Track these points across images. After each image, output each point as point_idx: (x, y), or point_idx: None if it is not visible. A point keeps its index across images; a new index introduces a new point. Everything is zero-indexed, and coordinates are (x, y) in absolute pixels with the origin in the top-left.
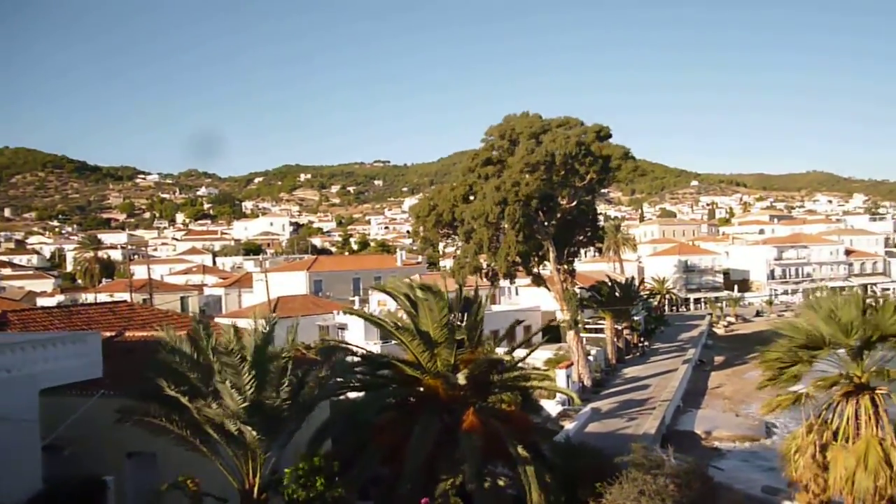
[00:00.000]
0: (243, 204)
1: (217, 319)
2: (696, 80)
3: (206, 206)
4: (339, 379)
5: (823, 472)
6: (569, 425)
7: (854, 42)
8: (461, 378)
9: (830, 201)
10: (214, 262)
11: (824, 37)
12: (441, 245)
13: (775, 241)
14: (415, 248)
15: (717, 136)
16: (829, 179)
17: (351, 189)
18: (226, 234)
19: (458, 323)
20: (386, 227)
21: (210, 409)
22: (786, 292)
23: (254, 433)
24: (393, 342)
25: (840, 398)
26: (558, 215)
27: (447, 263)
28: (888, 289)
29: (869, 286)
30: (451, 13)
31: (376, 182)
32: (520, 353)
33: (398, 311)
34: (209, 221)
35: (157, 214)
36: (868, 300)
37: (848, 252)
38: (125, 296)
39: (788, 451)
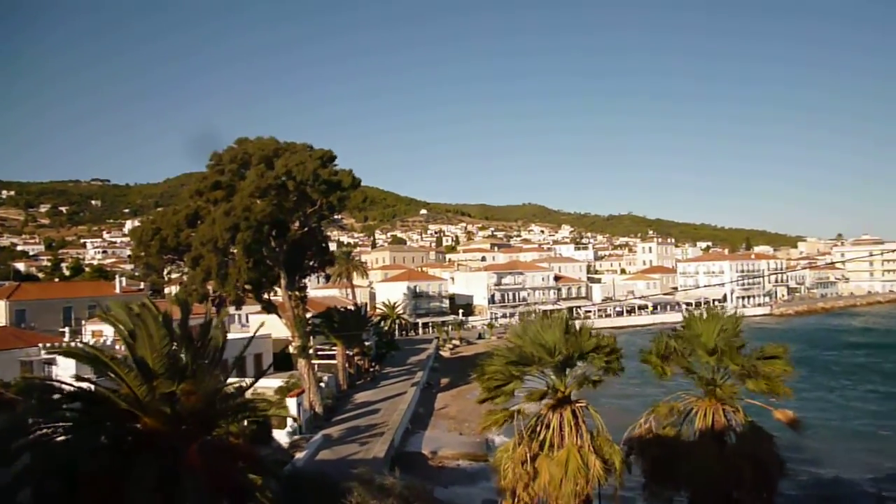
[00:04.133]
0: None
1: None
2: (426, 118)
3: None
4: (41, 420)
5: (532, 480)
6: (300, 454)
7: (556, 87)
8: (182, 411)
9: (542, 231)
10: None
11: (529, 87)
12: (166, 271)
13: (495, 267)
14: (137, 274)
15: (444, 167)
16: (542, 212)
17: (63, 209)
18: None
19: (181, 352)
20: (104, 252)
21: None
22: (505, 315)
23: None
24: (110, 376)
25: (547, 411)
26: (289, 241)
27: (174, 290)
28: (590, 311)
29: (574, 308)
30: (180, 27)
31: (94, 202)
32: (249, 382)
33: (117, 341)
34: None
35: None
36: (571, 322)
37: (557, 278)
38: None
39: (501, 462)
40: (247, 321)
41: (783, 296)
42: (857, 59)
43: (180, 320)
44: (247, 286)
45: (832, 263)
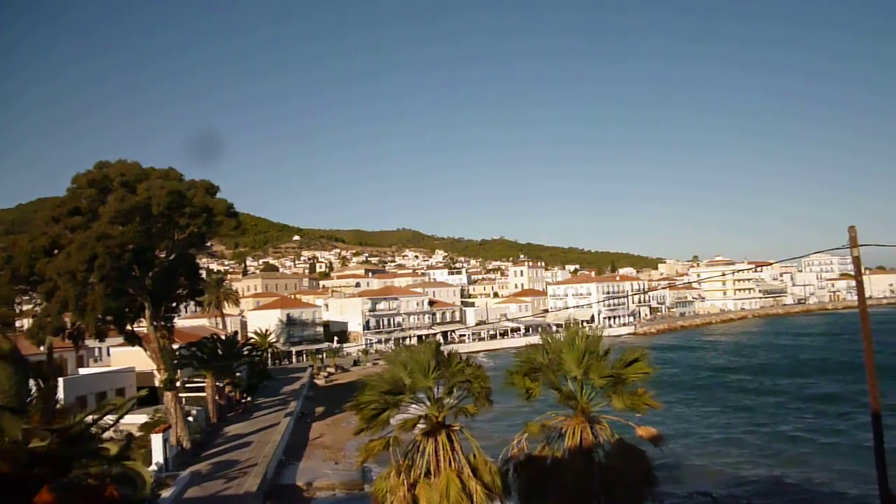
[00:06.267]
0: None
1: None
2: (297, 143)
3: None
4: None
5: None
6: (165, 493)
7: (425, 111)
8: (32, 453)
9: (417, 256)
10: None
11: (398, 110)
12: (17, 302)
13: (370, 293)
14: None
15: (317, 192)
16: (416, 237)
17: None
18: None
19: (32, 391)
20: None
21: None
22: (380, 341)
23: None
24: None
25: (422, 437)
26: (155, 269)
27: (27, 323)
28: (464, 334)
29: (449, 333)
30: (44, 47)
31: None
32: (109, 419)
33: None
34: None
35: None
36: (442, 348)
37: (432, 302)
38: None
39: (381, 493)
40: (108, 354)
41: (646, 315)
42: (705, 91)
43: (29, 357)
44: (108, 317)
45: (689, 284)
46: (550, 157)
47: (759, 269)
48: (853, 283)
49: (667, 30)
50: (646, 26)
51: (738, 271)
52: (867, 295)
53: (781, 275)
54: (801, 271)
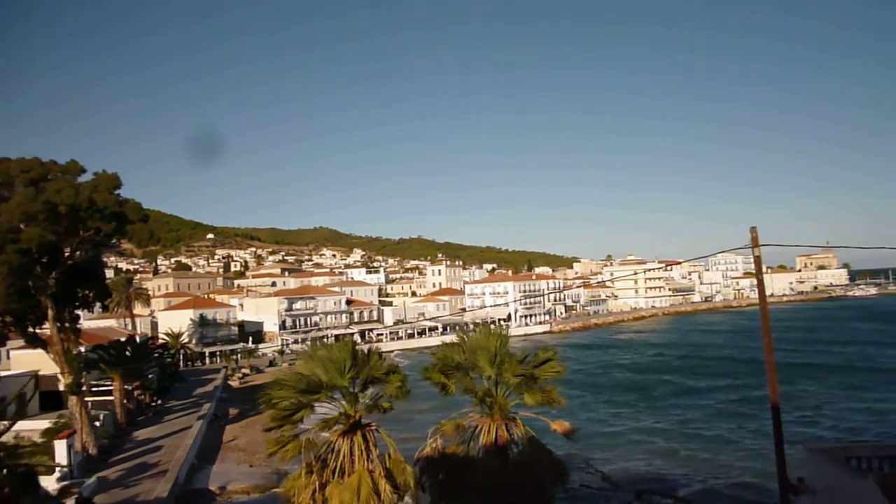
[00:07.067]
0: None
1: None
2: (213, 141)
3: None
4: None
5: None
6: (70, 501)
7: (341, 110)
8: None
9: (335, 255)
10: None
11: (315, 110)
12: None
13: (286, 292)
14: None
15: (232, 189)
16: (334, 235)
17: None
18: None
19: None
20: None
21: None
22: (296, 341)
23: None
24: None
25: (337, 437)
26: (60, 269)
27: None
28: (382, 334)
29: (366, 332)
30: None
31: None
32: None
33: None
34: None
35: None
36: (359, 347)
37: (349, 302)
38: None
39: (290, 492)
40: (8, 357)
41: (561, 313)
42: (609, 95)
43: None
44: (8, 319)
45: (603, 282)
46: (469, 161)
47: (668, 268)
48: (756, 281)
49: (572, 36)
50: (554, 36)
51: (649, 270)
52: (769, 293)
53: (690, 273)
54: (708, 270)
